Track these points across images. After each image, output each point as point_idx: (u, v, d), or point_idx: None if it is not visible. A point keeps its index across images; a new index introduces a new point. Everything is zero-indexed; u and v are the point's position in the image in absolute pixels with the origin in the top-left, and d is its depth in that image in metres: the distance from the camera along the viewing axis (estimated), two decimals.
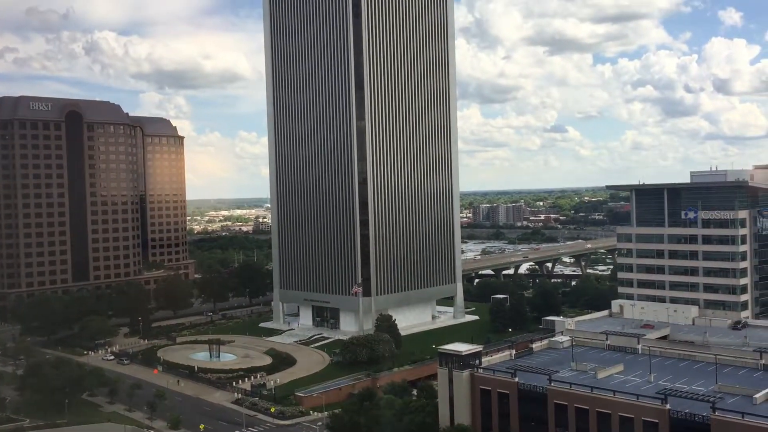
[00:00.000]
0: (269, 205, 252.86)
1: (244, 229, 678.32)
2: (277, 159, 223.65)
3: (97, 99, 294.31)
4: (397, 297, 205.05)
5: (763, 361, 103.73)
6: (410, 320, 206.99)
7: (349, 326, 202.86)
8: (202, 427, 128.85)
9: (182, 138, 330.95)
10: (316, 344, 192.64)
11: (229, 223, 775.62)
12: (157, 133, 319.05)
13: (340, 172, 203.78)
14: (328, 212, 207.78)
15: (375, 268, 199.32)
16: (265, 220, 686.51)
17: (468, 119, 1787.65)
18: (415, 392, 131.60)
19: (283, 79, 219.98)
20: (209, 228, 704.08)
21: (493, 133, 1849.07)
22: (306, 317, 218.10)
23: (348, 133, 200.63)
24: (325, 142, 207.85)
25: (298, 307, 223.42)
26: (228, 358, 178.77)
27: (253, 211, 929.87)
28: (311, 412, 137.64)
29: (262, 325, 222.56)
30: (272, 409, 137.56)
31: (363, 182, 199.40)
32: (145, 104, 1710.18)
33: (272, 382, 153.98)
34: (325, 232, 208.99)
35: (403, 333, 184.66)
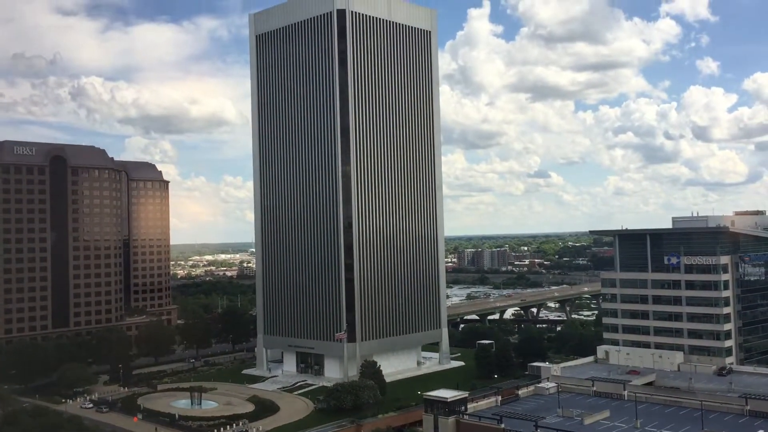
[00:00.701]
0: (254, 250, 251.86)
1: (229, 273, 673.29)
2: (263, 203, 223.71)
3: (83, 144, 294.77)
4: (381, 343, 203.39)
5: (748, 407, 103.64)
6: (395, 366, 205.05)
7: (333, 373, 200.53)
8: None
9: (167, 182, 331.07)
10: (300, 391, 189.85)
11: (213, 267, 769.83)
12: (142, 177, 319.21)
13: (326, 217, 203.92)
14: (313, 257, 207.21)
15: (360, 313, 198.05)
16: (249, 264, 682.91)
17: (452, 164, 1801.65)
18: None
19: (268, 124, 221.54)
20: (193, 273, 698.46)
21: (477, 178, 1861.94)
22: (290, 363, 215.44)
23: (333, 178, 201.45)
24: (310, 186, 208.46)
25: (282, 353, 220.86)
26: (209, 406, 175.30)
27: (237, 255, 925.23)
28: None
29: (245, 371, 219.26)
30: None
31: (348, 227, 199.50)
32: (131, 149, 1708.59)
33: (255, 429, 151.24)
34: (309, 277, 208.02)
35: (388, 379, 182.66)
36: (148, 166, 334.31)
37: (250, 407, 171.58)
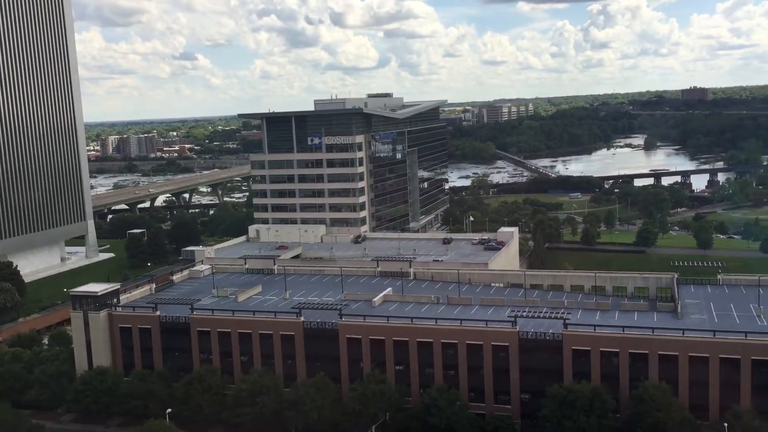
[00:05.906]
0: None
1: None
2: None
3: None
4: (16, 241, 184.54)
5: (379, 269, 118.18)
6: (36, 265, 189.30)
7: None
8: None
9: None
10: None
11: None
12: None
13: None
14: None
15: None
16: None
17: (88, 43, 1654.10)
18: (46, 341, 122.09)
19: None
20: None
21: (118, 59, 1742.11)
22: None
23: None
24: None
25: None
26: None
27: None
28: None
29: None
30: None
31: None
32: None
33: None
34: None
35: (28, 279, 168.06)
36: None
37: None
